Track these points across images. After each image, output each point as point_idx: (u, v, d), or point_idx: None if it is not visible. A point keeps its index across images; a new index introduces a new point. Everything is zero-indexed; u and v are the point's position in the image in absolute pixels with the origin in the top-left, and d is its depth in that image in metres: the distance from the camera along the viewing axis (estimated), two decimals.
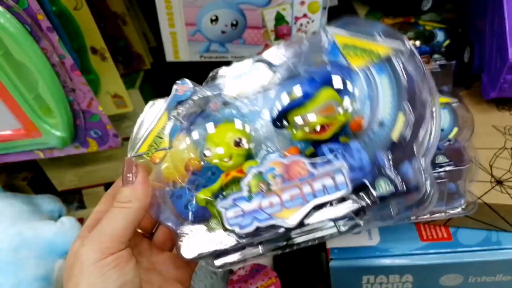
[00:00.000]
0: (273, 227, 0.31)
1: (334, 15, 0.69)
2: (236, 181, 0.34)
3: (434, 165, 0.43)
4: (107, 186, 0.86)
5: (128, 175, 0.35)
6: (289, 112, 0.33)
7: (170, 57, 0.69)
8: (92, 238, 0.33)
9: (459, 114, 0.48)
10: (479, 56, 0.59)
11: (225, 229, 0.33)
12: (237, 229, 0.32)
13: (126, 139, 0.79)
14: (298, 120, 0.33)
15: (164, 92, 0.92)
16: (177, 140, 0.36)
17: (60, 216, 0.74)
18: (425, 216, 0.45)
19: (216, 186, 0.35)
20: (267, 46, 0.67)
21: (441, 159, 0.43)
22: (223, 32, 0.65)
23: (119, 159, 0.81)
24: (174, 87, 0.37)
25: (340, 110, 0.32)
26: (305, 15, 0.64)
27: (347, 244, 0.49)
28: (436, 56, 0.55)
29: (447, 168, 0.43)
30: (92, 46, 0.63)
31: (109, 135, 0.59)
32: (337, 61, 0.33)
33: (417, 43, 0.59)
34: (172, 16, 0.63)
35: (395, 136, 0.31)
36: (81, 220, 0.80)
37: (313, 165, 0.31)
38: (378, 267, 0.48)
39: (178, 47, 0.67)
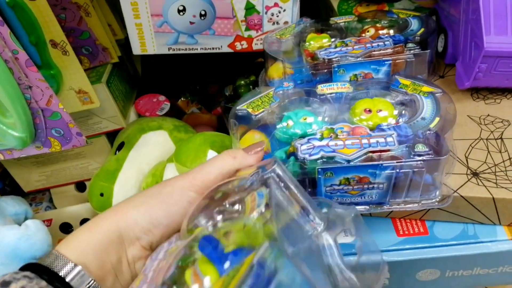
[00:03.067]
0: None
1: (307, 4, 0.67)
2: None
3: (413, 153, 0.41)
4: (77, 185, 0.82)
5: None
6: None
7: (136, 50, 0.65)
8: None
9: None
10: (453, 44, 0.57)
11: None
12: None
13: (95, 136, 0.77)
14: None
15: (134, 86, 0.89)
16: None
17: (26, 218, 0.71)
18: (399, 206, 0.44)
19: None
20: (238, 37, 0.65)
21: (420, 147, 0.42)
22: (191, 23, 0.62)
23: (88, 157, 0.78)
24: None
25: None
26: (276, 4, 0.61)
27: None
28: (410, 45, 0.54)
29: (425, 158, 0.41)
30: (52, 40, 0.59)
31: (72, 134, 0.56)
32: None
33: (391, 32, 0.58)
34: (137, 6, 0.60)
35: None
36: (49, 221, 0.77)
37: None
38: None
39: (144, 39, 0.64)
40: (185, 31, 0.63)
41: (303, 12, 0.66)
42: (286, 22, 0.64)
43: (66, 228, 0.77)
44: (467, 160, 0.48)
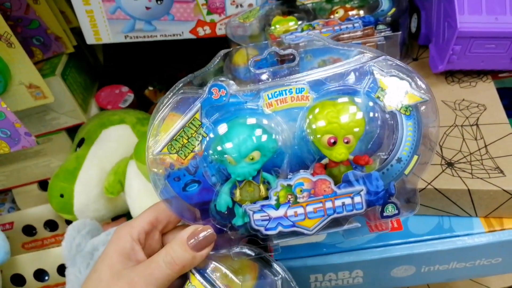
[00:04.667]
0: (294, 232, 0.36)
1: None
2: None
3: (382, 217, 0.37)
4: (40, 184, 0.78)
5: (200, 242, 0.35)
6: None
7: (90, 39, 0.61)
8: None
9: (424, 130, 0.36)
10: (427, 24, 0.54)
11: (251, 229, 0.36)
12: (262, 230, 0.35)
13: (54, 132, 0.72)
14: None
15: (96, 77, 0.83)
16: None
17: None
18: None
19: None
20: (200, 22, 0.60)
21: (390, 209, 0.36)
22: (147, 8, 0.58)
23: (48, 154, 0.73)
24: (209, 88, 0.36)
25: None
26: None
27: (291, 242, 0.44)
28: (380, 27, 0.50)
29: (393, 218, 0.37)
30: None
31: (20, 134, 0.52)
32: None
33: (361, 12, 0.54)
34: None
35: (407, 171, 0.36)
36: (11, 224, 0.73)
37: (337, 185, 0.35)
38: (326, 265, 0.44)
39: (97, 27, 0.59)
40: (141, 17, 0.59)
41: None
42: (250, 5, 0.60)
43: (30, 231, 0.73)
44: (441, 150, 0.45)
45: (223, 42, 0.84)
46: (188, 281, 0.35)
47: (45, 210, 0.72)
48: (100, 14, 0.57)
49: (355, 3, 0.56)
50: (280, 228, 0.35)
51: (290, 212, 0.35)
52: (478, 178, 0.42)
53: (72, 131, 0.73)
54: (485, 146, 0.44)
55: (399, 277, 0.46)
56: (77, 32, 0.69)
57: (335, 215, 0.35)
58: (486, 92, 0.50)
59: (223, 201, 0.36)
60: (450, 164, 0.44)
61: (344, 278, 0.46)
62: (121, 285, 0.32)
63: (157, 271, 0.33)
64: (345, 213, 0.35)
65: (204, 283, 0.34)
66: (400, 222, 0.45)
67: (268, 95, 0.36)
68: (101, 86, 0.77)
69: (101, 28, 0.59)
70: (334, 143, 0.35)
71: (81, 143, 0.66)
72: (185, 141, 0.36)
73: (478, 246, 0.42)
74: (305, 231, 0.35)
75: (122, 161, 0.62)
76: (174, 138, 0.36)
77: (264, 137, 0.35)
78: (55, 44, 0.67)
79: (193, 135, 0.36)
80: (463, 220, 0.44)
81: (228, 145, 0.34)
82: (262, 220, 0.35)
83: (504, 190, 0.40)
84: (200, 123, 0.36)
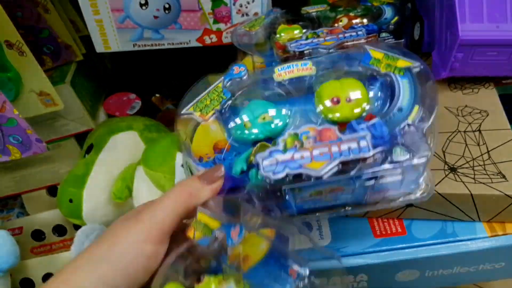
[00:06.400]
0: (301, 176, 0.36)
1: None
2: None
3: (391, 161, 0.37)
4: (49, 189, 0.79)
5: (209, 174, 0.38)
6: None
7: (99, 47, 0.62)
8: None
9: (421, 86, 0.39)
10: (429, 32, 0.55)
11: (261, 177, 0.37)
12: (271, 175, 0.36)
13: (63, 138, 0.74)
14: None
15: (104, 84, 0.85)
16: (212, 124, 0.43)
17: None
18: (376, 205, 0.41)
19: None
20: (206, 31, 0.62)
21: (398, 152, 0.36)
22: (155, 17, 0.59)
23: (57, 161, 0.75)
24: (231, 67, 0.45)
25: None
26: None
27: (297, 246, 0.45)
28: (383, 35, 0.51)
29: (404, 164, 0.37)
30: (7, 40, 0.55)
31: (31, 140, 0.53)
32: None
33: (365, 21, 0.55)
34: (95, 2, 0.57)
35: (410, 119, 0.37)
36: (20, 229, 0.74)
37: (342, 132, 0.37)
38: (330, 270, 0.44)
39: (106, 36, 0.60)
40: (149, 26, 0.60)
41: (275, 2, 0.63)
42: (256, 13, 0.61)
43: (39, 236, 0.74)
44: (444, 155, 0.46)
45: (229, 50, 0.85)
46: (194, 219, 0.35)
47: (54, 215, 0.73)
48: (109, 23, 0.59)
49: (359, 11, 0.57)
50: (287, 170, 0.36)
51: (297, 155, 0.36)
52: (480, 183, 0.42)
53: (80, 137, 0.74)
54: (488, 151, 0.45)
55: (403, 282, 0.47)
56: (86, 41, 0.71)
57: (342, 158, 0.35)
58: (488, 99, 0.50)
59: (238, 166, 0.39)
60: (453, 169, 0.44)
61: (349, 282, 0.46)
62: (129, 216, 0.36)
63: (166, 198, 0.35)
64: (352, 156, 0.35)
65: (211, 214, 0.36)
66: (404, 226, 0.46)
67: (278, 68, 0.43)
68: (109, 93, 0.78)
69: (110, 37, 0.61)
70: (338, 102, 0.38)
71: (89, 149, 0.67)
72: (208, 102, 0.43)
73: (481, 250, 0.43)
74: (313, 173, 0.35)
75: (130, 167, 0.63)
76: (200, 100, 0.43)
77: (273, 111, 0.40)
78: (65, 53, 0.69)
79: (215, 98, 0.43)
80: (466, 225, 0.44)
81: (244, 111, 0.41)
82: (270, 165, 0.36)
83: (506, 195, 0.41)
84: (221, 89, 0.44)
